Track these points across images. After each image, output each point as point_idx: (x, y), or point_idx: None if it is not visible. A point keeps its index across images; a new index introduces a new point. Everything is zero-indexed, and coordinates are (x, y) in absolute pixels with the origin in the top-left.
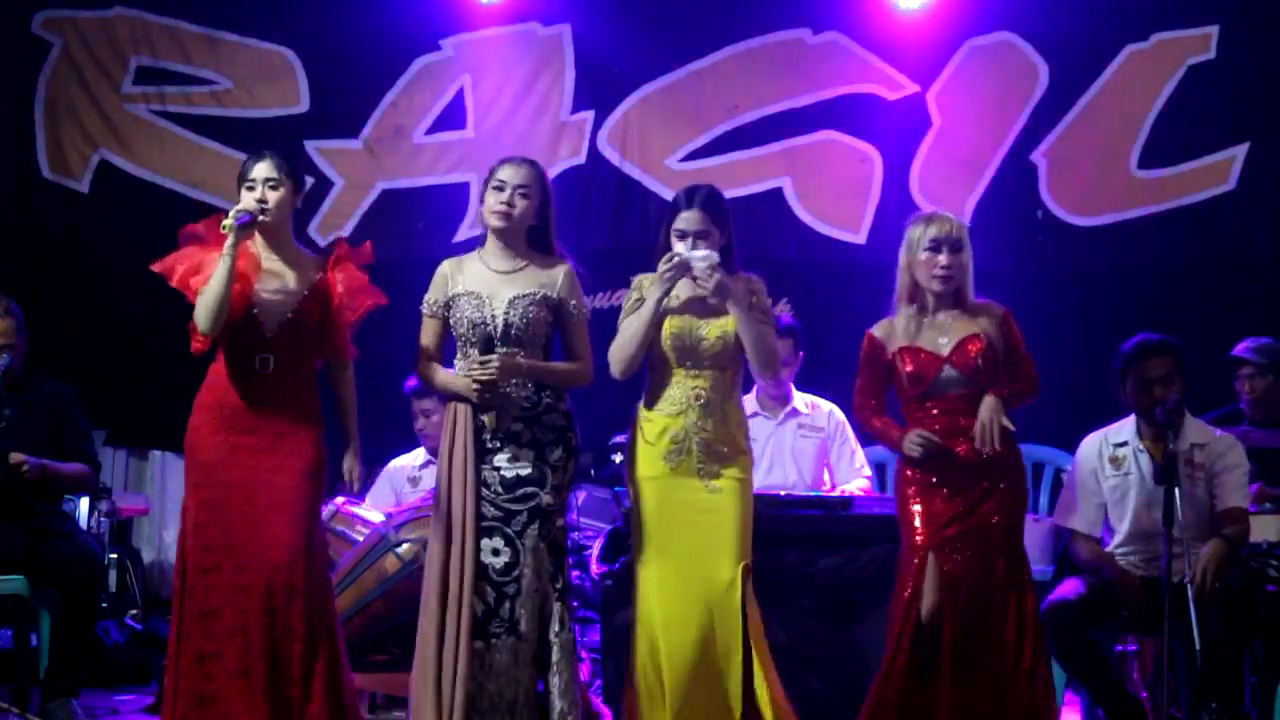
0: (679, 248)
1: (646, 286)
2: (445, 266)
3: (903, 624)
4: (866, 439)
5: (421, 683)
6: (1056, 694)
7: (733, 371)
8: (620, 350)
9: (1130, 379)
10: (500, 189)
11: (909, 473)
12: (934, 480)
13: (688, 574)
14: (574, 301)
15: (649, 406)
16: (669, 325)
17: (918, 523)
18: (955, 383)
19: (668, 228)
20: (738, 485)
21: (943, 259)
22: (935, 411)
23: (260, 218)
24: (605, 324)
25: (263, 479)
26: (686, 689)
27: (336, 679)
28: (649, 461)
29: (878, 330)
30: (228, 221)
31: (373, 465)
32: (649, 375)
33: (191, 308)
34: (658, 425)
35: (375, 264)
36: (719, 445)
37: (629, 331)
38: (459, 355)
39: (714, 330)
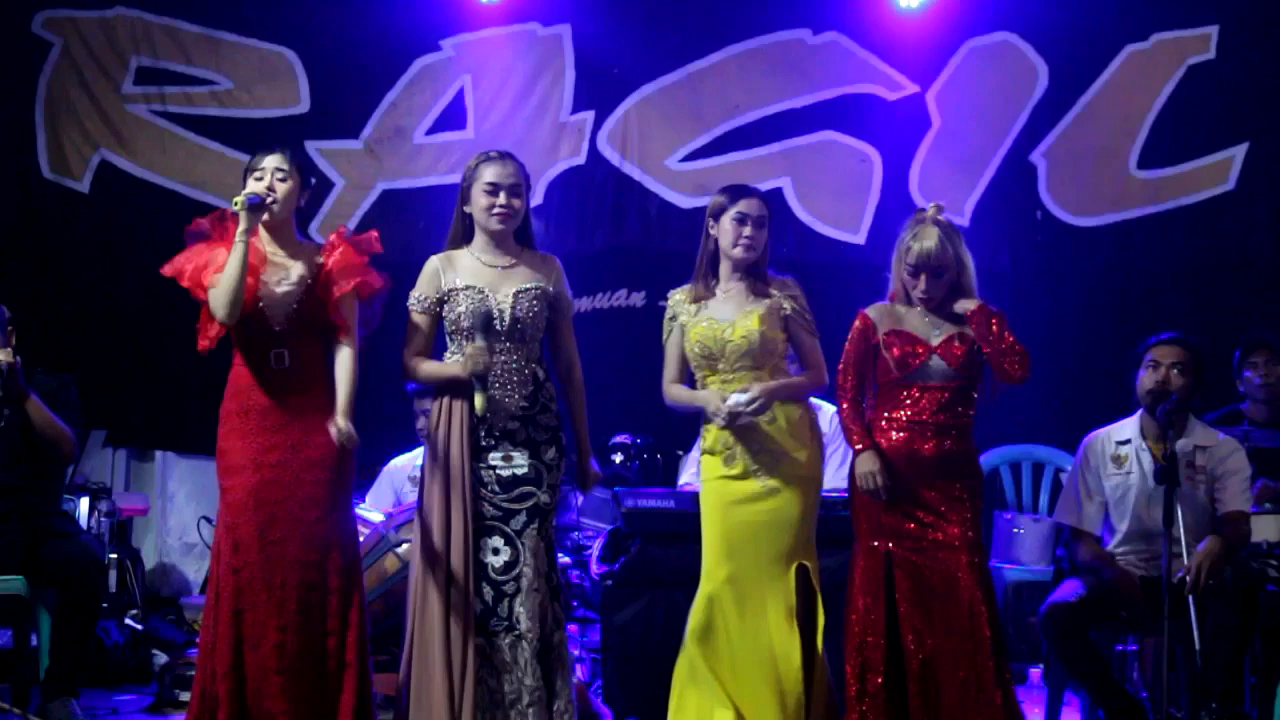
0: (745, 230)
1: (678, 303)
2: (435, 262)
3: (864, 630)
4: None
5: (427, 681)
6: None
7: (772, 369)
8: (670, 402)
9: (1144, 363)
10: (494, 191)
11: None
12: (894, 476)
13: (752, 572)
14: (565, 296)
15: (706, 421)
16: (694, 335)
17: (874, 521)
18: (940, 374)
19: (715, 215)
20: (796, 482)
21: (921, 286)
22: (909, 401)
23: (269, 203)
24: (605, 324)
25: (297, 475)
26: (752, 689)
27: (365, 673)
28: (710, 467)
29: (872, 311)
30: (239, 199)
31: (373, 465)
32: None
33: (195, 306)
34: (711, 435)
35: (376, 263)
36: (771, 444)
37: (676, 397)
38: (452, 350)
39: (738, 332)
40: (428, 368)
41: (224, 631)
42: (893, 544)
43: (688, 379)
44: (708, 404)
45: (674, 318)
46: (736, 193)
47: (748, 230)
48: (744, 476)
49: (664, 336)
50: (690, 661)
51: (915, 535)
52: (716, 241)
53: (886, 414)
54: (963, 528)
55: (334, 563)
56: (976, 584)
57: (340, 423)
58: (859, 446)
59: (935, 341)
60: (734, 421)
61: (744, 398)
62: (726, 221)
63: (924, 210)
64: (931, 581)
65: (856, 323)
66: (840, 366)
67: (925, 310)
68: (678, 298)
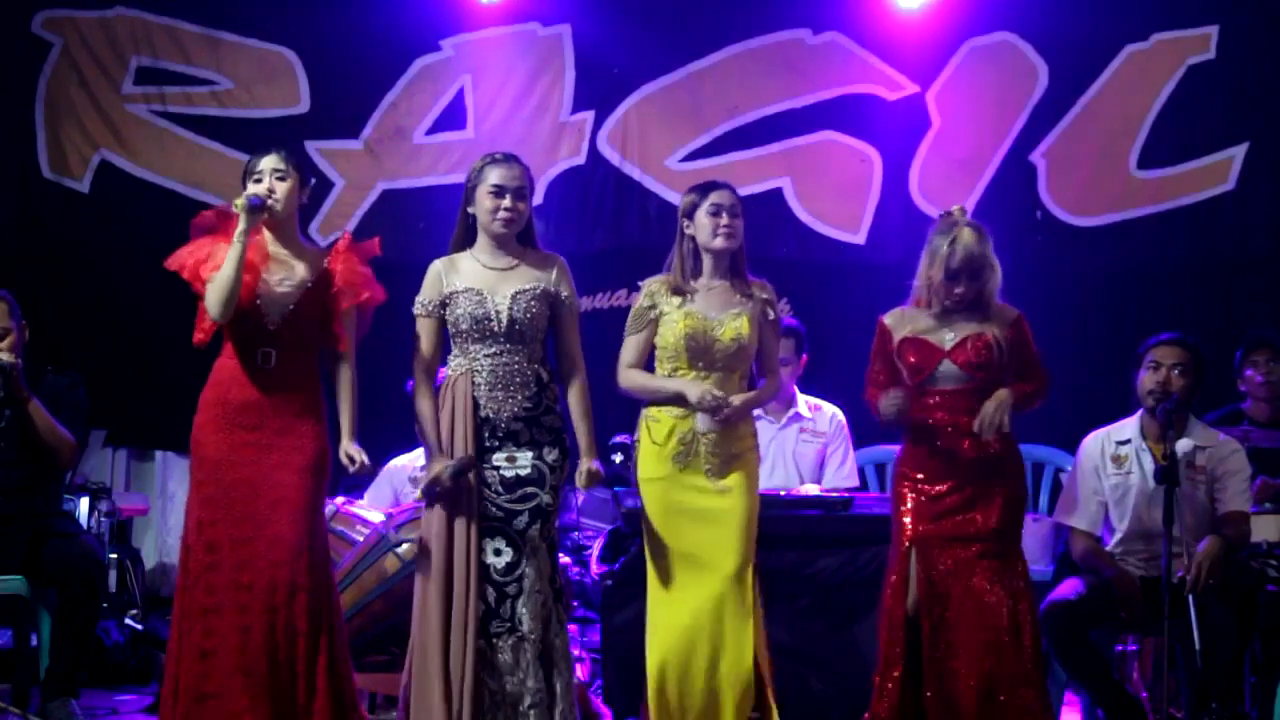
0: (722, 220)
1: (657, 292)
2: (438, 265)
3: (890, 620)
4: (859, 443)
5: (425, 682)
6: (1053, 701)
7: (742, 373)
8: (629, 385)
9: (1145, 364)
10: (499, 194)
11: (905, 469)
12: (928, 477)
13: (695, 573)
14: (567, 294)
15: (658, 405)
16: (682, 324)
17: (907, 519)
18: (953, 377)
19: (688, 213)
20: (745, 486)
21: (961, 287)
22: (934, 403)
23: (270, 203)
24: (605, 324)
25: (266, 475)
26: (697, 688)
27: (339, 676)
28: (656, 462)
29: (889, 318)
30: (239, 201)
31: (373, 465)
32: (657, 374)
33: (194, 300)
34: (665, 426)
35: (376, 264)
36: (727, 446)
37: (640, 382)
38: (455, 353)
39: (728, 331)
40: (423, 406)
41: (192, 627)
42: (923, 542)
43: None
44: (687, 390)
45: (653, 306)
46: (706, 187)
47: (724, 220)
48: (699, 475)
49: (634, 322)
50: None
51: (948, 535)
52: (693, 240)
53: (917, 422)
54: (996, 529)
55: (305, 563)
56: (1007, 585)
57: (349, 448)
58: (879, 399)
59: (947, 346)
60: (708, 408)
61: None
62: (701, 216)
63: (950, 214)
64: (958, 581)
65: (877, 329)
66: (867, 370)
67: (941, 314)
68: (656, 287)
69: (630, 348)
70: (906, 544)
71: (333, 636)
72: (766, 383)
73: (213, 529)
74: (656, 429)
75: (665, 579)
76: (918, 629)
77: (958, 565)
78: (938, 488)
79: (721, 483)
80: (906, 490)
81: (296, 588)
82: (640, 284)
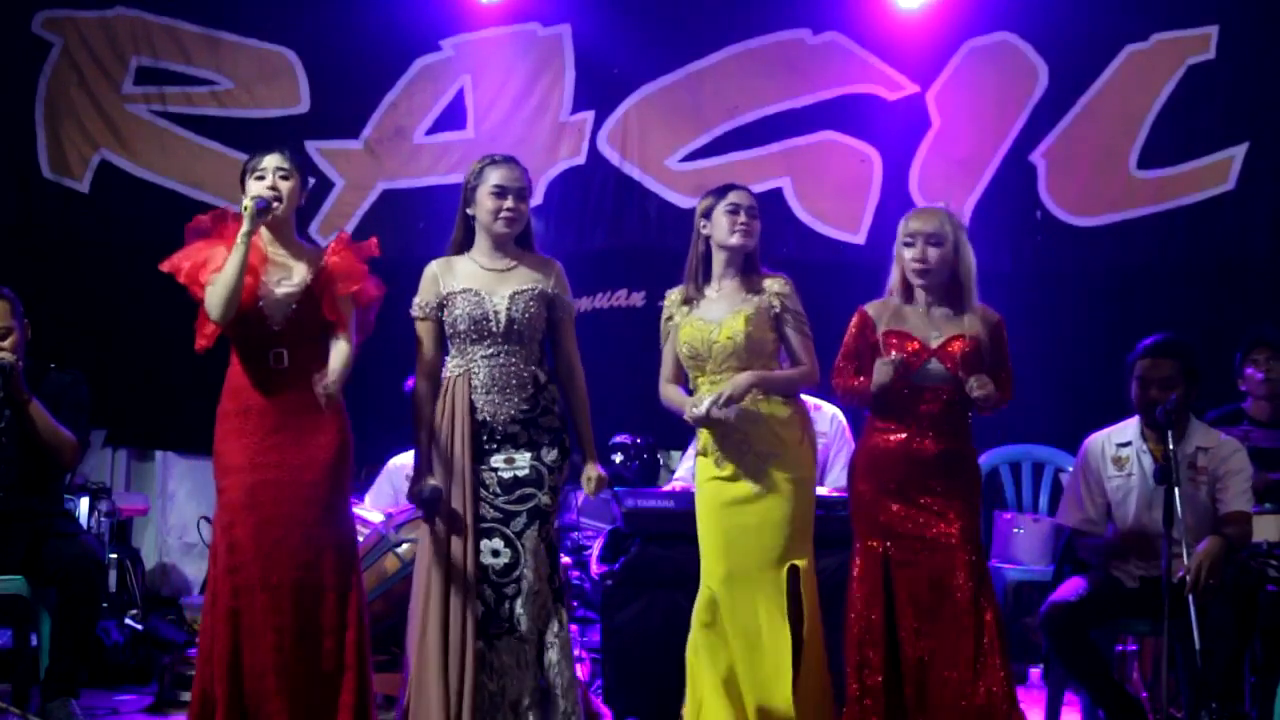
0: (740, 218)
1: (673, 304)
2: (434, 267)
3: (866, 628)
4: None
5: (424, 684)
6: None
7: (760, 368)
8: (665, 404)
9: (1133, 376)
10: (502, 194)
11: (864, 470)
12: (892, 476)
13: (742, 575)
14: (565, 298)
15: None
16: (681, 337)
17: (869, 523)
18: (938, 376)
19: (706, 214)
20: (788, 485)
21: (915, 253)
22: (906, 401)
23: (274, 205)
24: (605, 323)
25: (294, 475)
26: (730, 690)
27: (364, 674)
28: (703, 469)
29: (871, 308)
30: (247, 203)
31: (372, 464)
32: (692, 393)
33: (194, 306)
34: (704, 436)
35: (375, 264)
36: (761, 445)
37: (669, 400)
38: (453, 353)
39: (724, 332)
40: (422, 411)
41: (221, 632)
42: (890, 543)
43: (684, 380)
44: (683, 406)
45: (670, 318)
46: (723, 189)
47: (742, 218)
48: (735, 479)
49: (662, 337)
50: (697, 646)
51: (913, 535)
52: (708, 240)
53: (883, 415)
54: (961, 526)
55: (330, 562)
56: (975, 583)
57: (328, 379)
58: (867, 380)
59: (934, 344)
60: (707, 419)
61: (710, 398)
62: (719, 215)
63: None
64: (929, 581)
65: (854, 318)
66: (838, 359)
67: (926, 311)
68: (673, 298)
69: (663, 362)
70: (879, 547)
71: (359, 634)
72: (795, 369)
73: (235, 531)
74: (701, 438)
75: (707, 577)
76: (892, 634)
77: (925, 565)
78: (900, 492)
79: (759, 485)
80: (866, 499)
81: (323, 589)
82: (664, 298)
